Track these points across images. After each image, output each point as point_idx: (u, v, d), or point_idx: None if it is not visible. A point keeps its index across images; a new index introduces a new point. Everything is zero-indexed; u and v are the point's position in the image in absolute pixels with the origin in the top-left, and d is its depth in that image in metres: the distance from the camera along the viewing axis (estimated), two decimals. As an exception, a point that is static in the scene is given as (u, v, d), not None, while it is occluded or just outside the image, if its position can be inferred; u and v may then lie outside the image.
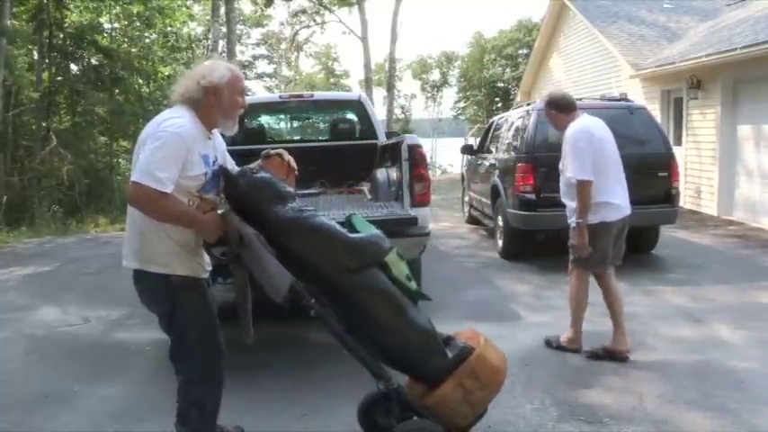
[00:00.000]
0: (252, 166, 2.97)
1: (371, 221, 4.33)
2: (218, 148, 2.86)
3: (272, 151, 3.11)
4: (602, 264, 4.35)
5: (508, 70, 34.13)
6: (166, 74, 20.69)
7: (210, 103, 2.70)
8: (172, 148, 2.52)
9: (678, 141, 11.60)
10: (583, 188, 4.19)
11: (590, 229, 4.21)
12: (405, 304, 2.84)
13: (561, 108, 4.52)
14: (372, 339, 2.85)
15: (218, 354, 2.84)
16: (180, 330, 2.76)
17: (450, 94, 44.85)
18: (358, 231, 3.00)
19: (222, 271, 3.02)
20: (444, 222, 9.64)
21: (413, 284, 2.95)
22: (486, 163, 8.70)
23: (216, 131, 2.84)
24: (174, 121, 2.60)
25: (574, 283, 4.42)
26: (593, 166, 4.21)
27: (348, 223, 3.12)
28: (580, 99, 9.38)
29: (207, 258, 2.84)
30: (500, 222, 7.74)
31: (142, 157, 2.52)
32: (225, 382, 4.09)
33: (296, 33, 31.53)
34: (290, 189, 2.88)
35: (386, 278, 2.82)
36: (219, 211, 2.75)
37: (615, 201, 4.42)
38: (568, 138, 4.38)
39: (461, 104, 40.54)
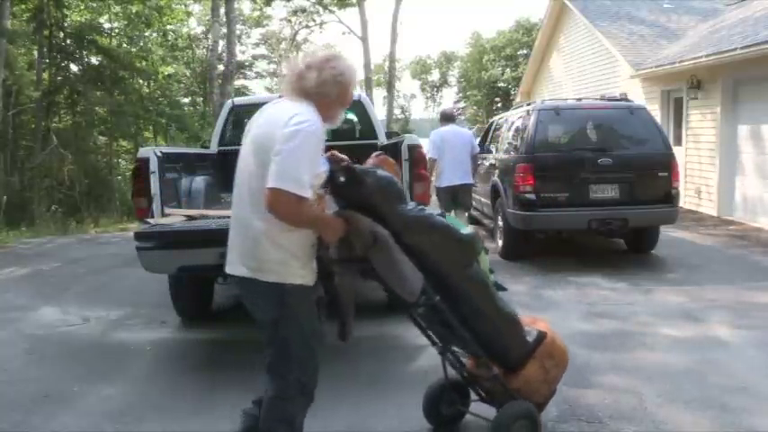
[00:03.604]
0: (369, 164, 2.93)
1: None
2: None
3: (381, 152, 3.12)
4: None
5: (508, 70, 34.14)
6: (167, 74, 20.72)
7: (339, 99, 2.57)
8: (310, 148, 2.38)
9: (678, 141, 11.60)
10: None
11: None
12: (498, 294, 2.99)
13: (441, 119, 8.40)
14: (472, 330, 2.94)
15: (317, 369, 2.72)
16: (285, 341, 2.57)
17: (450, 95, 44.88)
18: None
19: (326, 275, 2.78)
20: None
21: (493, 277, 3.10)
22: (486, 163, 8.70)
23: None
24: (306, 117, 2.40)
25: None
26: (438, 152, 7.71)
27: None
28: (580, 99, 9.45)
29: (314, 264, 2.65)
30: (500, 222, 7.74)
31: (279, 160, 2.32)
32: (224, 382, 4.11)
33: (296, 33, 31.56)
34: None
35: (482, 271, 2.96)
36: (338, 211, 2.66)
37: (447, 175, 7.77)
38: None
39: (461, 105, 40.51)
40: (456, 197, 7.88)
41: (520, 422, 2.94)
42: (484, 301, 2.92)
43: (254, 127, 2.57)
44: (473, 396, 3.25)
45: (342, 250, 2.61)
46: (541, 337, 3.06)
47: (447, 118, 8.28)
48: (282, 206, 2.33)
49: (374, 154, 3.11)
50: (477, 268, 2.91)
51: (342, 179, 2.68)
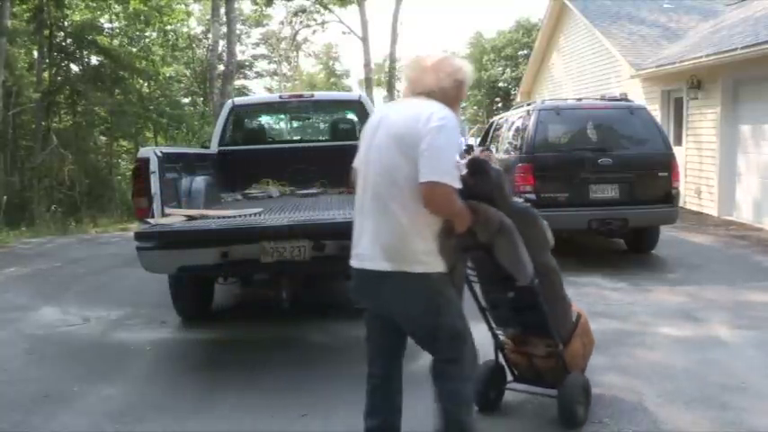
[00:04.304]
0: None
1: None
2: None
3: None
4: None
5: (508, 70, 34.13)
6: (167, 74, 20.72)
7: (457, 97, 2.70)
8: (455, 142, 2.53)
9: (678, 141, 11.60)
10: None
11: None
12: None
13: None
14: (541, 311, 3.16)
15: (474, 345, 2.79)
16: (451, 327, 2.63)
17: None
18: None
19: None
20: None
21: None
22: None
23: None
24: (445, 113, 2.53)
25: None
26: None
27: None
28: (580, 99, 9.45)
29: None
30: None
31: (431, 155, 2.43)
32: (224, 382, 4.12)
33: (296, 33, 31.57)
34: None
35: None
36: (467, 201, 2.70)
37: None
38: None
39: (461, 104, 40.40)
40: None
41: (583, 391, 3.34)
42: (558, 286, 3.25)
43: (385, 125, 2.63)
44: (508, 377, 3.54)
45: (464, 239, 2.72)
46: (578, 317, 3.42)
47: None
48: (439, 198, 2.46)
49: (480, 149, 3.27)
50: (551, 254, 3.20)
51: (469, 171, 2.81)
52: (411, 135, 2.49)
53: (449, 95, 2.64)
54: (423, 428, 2.94)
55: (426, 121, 2.48)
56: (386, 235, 2.56)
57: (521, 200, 3.12)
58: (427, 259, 2.56)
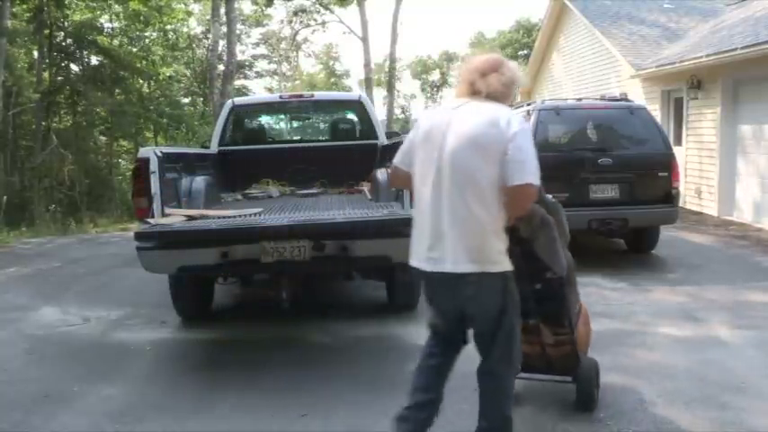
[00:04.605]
0: None
1: (372, 222, 4.37)
2: None
3: None
4: None
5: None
6: (167, 74, 20.71)
7: (511, 97, 2.84)
8: (532, 144, 2.65)
9: (678, 141, 11.60)
10: None
11: None
12: None
13: None
14: (564, 300, 3.29)
15: None
16: (511, 325, 2.76)
17: (450, 94, 44.84)
18: None
19: None
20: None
21: None
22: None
23: None
24: (519, 117, 2.69)
25: None
26: None
27: None
28: (580, 99, 9.44)
29: None
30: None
31: (520, 158, 2.55)
32: (224, 382, 4.12)
33: (296, 33, 31.57)
34: None
35: None
36: None
37: None
38: None
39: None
40: None
41: (596, 375, 3.52)
42: (573, 273, 3.33)
43: (455, 128, 2.66)
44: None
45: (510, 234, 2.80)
46: (580, 304, 3.54)
47: None
48: (530, 198, 2.62)
49: None
50: None
51: None
52: (490, 139, 2.59)
53: (506, 96, 2.77)
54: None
55: (507, 125, 2.59)
56: (470, 237, 2.62)
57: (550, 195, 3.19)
58: (502, 259, 2.67)
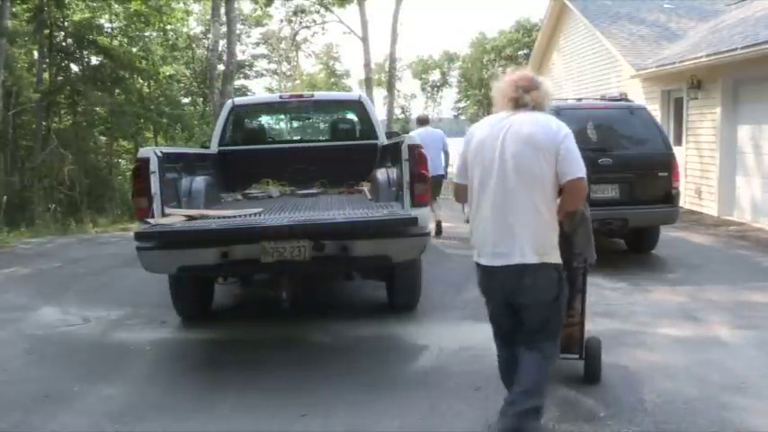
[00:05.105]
0: None
1: (372, 222, 4.37)
2: None
3: None
4: None
5: (508, 70, 34.13)
6: (167, 74, 20.70)
7: (546, 109, 3.15)
8: None
9: (678, 141, 11.60)
10: None
11: None
12: None
13: (417, 122, 9.81)
14: (581, 285, 3.72)
15: None
16: (559, 312, 3.10)
17: (450, 94, 44.89)
18: None
19: None
20: (444, 222, 9.63)
21: None
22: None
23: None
24: (563, 122, 3.04)
25: None
26: None
27: None
28: (580, 99, 9.44)
29: None
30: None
31: (572, 157, 2.91)
32: (224, 382, 4.12)
33: (296, 33, 31.55)
34: None
35: None
36: None
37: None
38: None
39: (462, 104, 40.50)
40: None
41: (600, 351, 3.82)
42: None
43: (512, 136, 2.98)
44: None
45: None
46: None
47: (422, 121, 9.89)
48: (583, 191, 3.01)
49: None
50: None
51: None
52: (547, 142, 2.93)
53: (545, 107, 3.14)
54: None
55: (558, 130, 2.98)
56: (535, 231, 2.94)
57: None
58: (555, 249, 3.00)
